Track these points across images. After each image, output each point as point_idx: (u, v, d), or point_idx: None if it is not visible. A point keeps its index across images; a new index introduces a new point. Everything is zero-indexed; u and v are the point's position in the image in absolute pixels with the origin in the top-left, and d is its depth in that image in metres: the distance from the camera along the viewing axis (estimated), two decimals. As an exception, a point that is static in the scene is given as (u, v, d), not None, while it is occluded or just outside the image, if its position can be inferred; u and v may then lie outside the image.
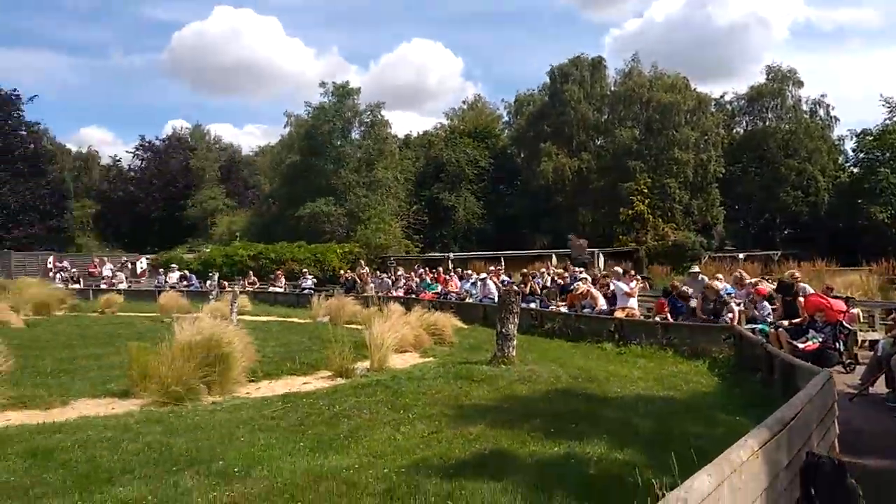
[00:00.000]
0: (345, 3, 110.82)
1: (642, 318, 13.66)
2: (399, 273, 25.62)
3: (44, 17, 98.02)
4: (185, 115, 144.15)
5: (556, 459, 5.36)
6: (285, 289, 27.26)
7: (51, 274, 32.11)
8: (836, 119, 47.16)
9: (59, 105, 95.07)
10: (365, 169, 41.74)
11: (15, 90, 45.99)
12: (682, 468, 3.84)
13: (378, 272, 28.14)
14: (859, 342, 11.13)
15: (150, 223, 50.03)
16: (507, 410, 7.15)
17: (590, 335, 13.04)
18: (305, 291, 25.17)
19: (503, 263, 28.57)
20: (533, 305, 16.16)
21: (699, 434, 6.01)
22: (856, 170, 45.32)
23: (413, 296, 20.67)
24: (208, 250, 37.30)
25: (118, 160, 59.01)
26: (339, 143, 42.04)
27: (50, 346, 12.41)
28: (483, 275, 20.01)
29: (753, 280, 13.64)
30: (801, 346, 9.59)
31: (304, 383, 9.07)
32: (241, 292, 19.76)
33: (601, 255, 35.22)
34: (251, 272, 29.91)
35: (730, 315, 11.52)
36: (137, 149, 54.47)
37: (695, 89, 45.13)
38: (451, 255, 36.71)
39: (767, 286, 12.52)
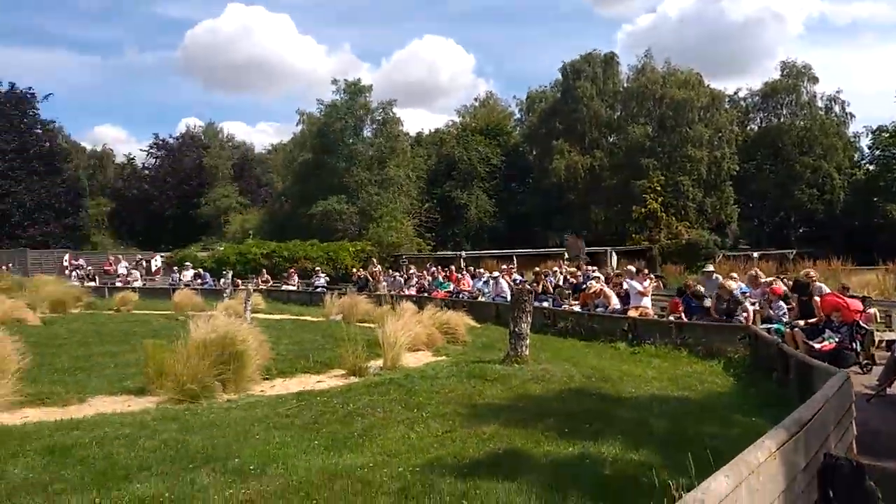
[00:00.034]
0: (356, 0, 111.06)
1: (656, 317, 13.59)
2: (411, 271, 25.65)
3: (58, 16, 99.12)
4: (199, 112, 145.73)
5: (570, 459, 5.35)
6: (298, 287, 27.39)
7: (67, 272, 32.48)
8: (852, 115, 46.80)
9: (73, 103, 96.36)
10: (377, 167, 41.83)
11: (30, 89, 46.66)
12: (698, 469, 3.83)
13: (390, 270, 28.18)
14: (876, 342, 11.00)
15: (164, 221, 50.44)
16: (521, 410, 7.14)
17: (603, 334, 13.00)
18: (318, 290, 25.27)
19: (515, 262, 28.53)
20: (546, 304, 16.12)
21: (714, 434, 5.98)
22: (872, 167, 44.89)
23: (425, 294, 20.68)
24: (222, 248, 37.58)
25: (132, 158, 59.69)
26: (350, 140, 42.16)
27: (66, 344, 12.56)
28: (495, 273, 19.99)
29: (769, 279, 13.52)
30: (817, 346, 9.50)
31: (318, 381, 9.11)
32: (254, 290, 19.87)
33: (614, 254, 35.09)
34: (264, 270, 30.10)
35: (744, 315, 11.43)
36: (151, 147, 55.07)
37: (708, 85, 44.90)
38: (464, 253, 36.72)
39: (782, 286, 12.42)
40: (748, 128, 48.73)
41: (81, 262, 34.93)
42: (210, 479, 4.82)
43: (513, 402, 7.52)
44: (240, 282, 25.63)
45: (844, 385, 5.43)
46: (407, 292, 21.76)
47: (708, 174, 42.20)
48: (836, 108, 46.60)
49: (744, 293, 12.59)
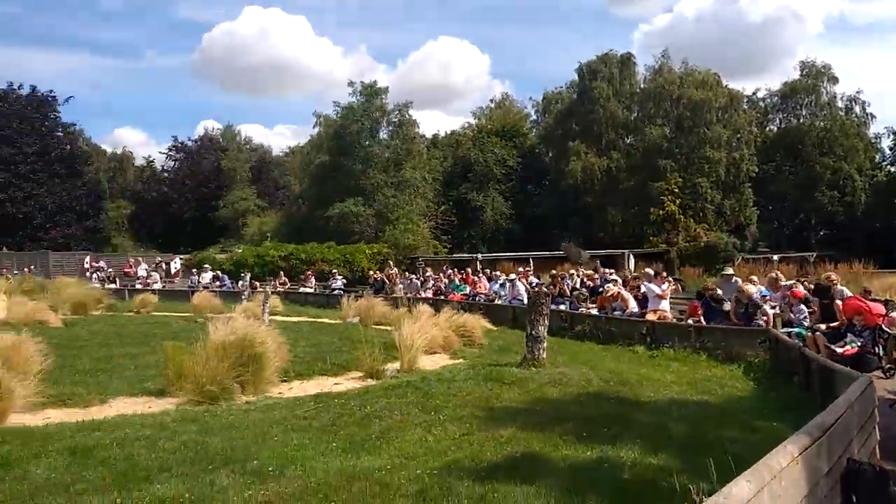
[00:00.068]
0: (372, 1, 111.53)
1: (675, 320, 13.48)
2: (427, 274, 25.67)
3: (78, 19, 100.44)
4: (217, 115, 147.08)
5: (588, 463, 5.32)
6: (315, 289, 27.49)
7: (87, 274, 32.88)
8: (873, 116, 46.29)
9: (94, 106, 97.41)
10: (393, 169, 41.94)
11: (51, 92, 47.36)
12: (718, 474, 3.80)
13: (407, 273, 28.24)
14: (899, 346, 10.85)
15: (183, 223, 50.91)
16: (538, 413, 7.12)
17: (621, 338, 12.92)
18: (335, 292, 25.35)
19: (532, 264, 28.47)
20: (563, 307, 16.07)
21: (735, 439, 5.93)
22: (893, 168, 44.30)
23: (442, 297, 20.69)
24: (240, 251, 37.86)
25: (152, 161, 60.34)
26: (367, 142, 42.33)
27: (88, 346, 12.69)
28: (512, 276, 19.96)
29: (789, 282, 13.37)
30: (839, 350, 9.39)
31: (336, 384, 9.15)
32: (272, 293, 19.97)
33: (631, 257, 34.88)
34: (282, 272, 30.29)
35: (764, 318, 11.32)
36: (170, 149, 55.66)
37: (726, 86, 44.45)
38: (480, 255, 36.68)
39: (802, 289, 12.27)
40: (767, 129, 48.23)
41: (102, 264, 35.35)
42: (229, 480, 4.86)
43: (530, 406, 7.50)
44: (258, 284, 25.78)
45: (867, 389, 5.37)
46: (423, 295, 21.77)
47: (726, 176, 41.78)
48: (857, 109, 46.12)
49: (764, 296, 12.48)
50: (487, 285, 21.08)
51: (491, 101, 64.08)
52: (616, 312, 14.47)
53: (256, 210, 49.85)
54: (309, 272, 29.86)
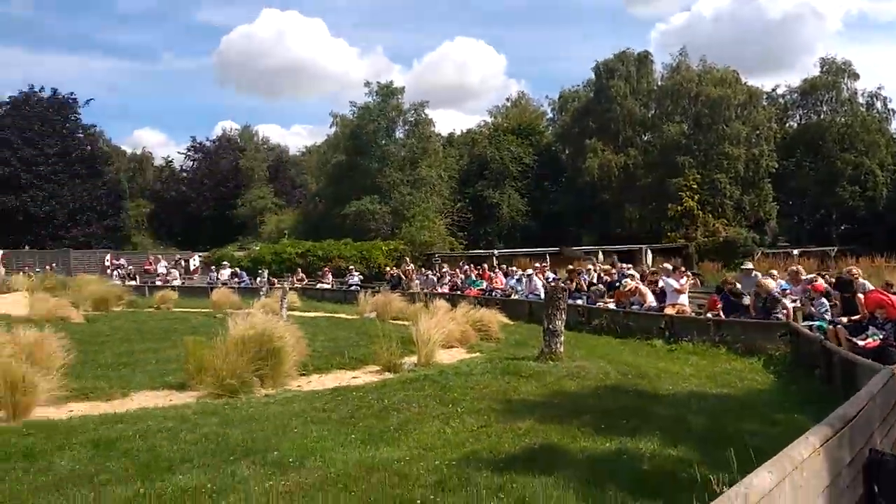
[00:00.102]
0: (388, 2, 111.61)
1: (693, 314, 13.40)
2: (444, 270, 25.70)
3: (98, 23, 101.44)
4: (234, 116, 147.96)
5: (607, 455, 5.31)
6: (332, 285, 27.63)
7: (108, 271, 33.34)
8: (894, 112, 45.85)
9: (113, 108, 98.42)
10: (409, 167, 42.01)
11: (72, 94, 48.08)
12: (739, 465, 3.78)
13: (423, 269, 28.28)
14: (922, 340, 10.70)
15: (201, 222, 51.38)
16: (556, 406, 7.11)
17: (639, 332, 12.85)
18: (352, 288, 25.46)
19: (548, 260, 28.39)
20: (580, 302, 16.01)
21: (755, 432, 5.88)
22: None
23: (458, 292, 20.68)
24: (258, 248, 38.18)
25: (170, 161, 60.89)
26: (383, 142, 42.41)
27: (109, 341, 12.83)
28: (529, 271, 19.92)
29: (810, 276, 13.23)
30: (861, 343, 9.26)
31: (353, 377, 9.18)
32: (290, 289, 20.12)
33: (649, 252, 34.67)
34: (299, 269, 30.47)
35: (783, 312, 11.21)
36: (189, 150, 56.24)
37: (745, 83, 44.02)
38: (496, 251, 36.64)
39: (823, 283, 12.14)
40: (787, 125, 47.85)
41: (122, 261, 35.81)
42: (250, 471, 4.90)
43: (548, 399, 7.49)
44: (275, 280, 25.97)
45: (890, 382, 5.31)
46: (440, 290, 21.80)
47: (746, 172, 41.42)
48: (878, 105, 45.76)
49: (784, 290, 12.35)
50: (504, 280, 21.05)
51: (507, 99, 64.03)
52: (634, 307, 14.39)
53: (274, 208, 50.19)
54: (326, 268, 30.04)
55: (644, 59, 46.33)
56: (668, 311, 13.31)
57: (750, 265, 16.20)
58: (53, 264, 34.06)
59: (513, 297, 19.06)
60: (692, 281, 16.26)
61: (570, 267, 19.70)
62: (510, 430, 6.06)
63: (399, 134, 44.08)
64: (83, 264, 35.72)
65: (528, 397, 7.57)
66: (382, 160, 41.34)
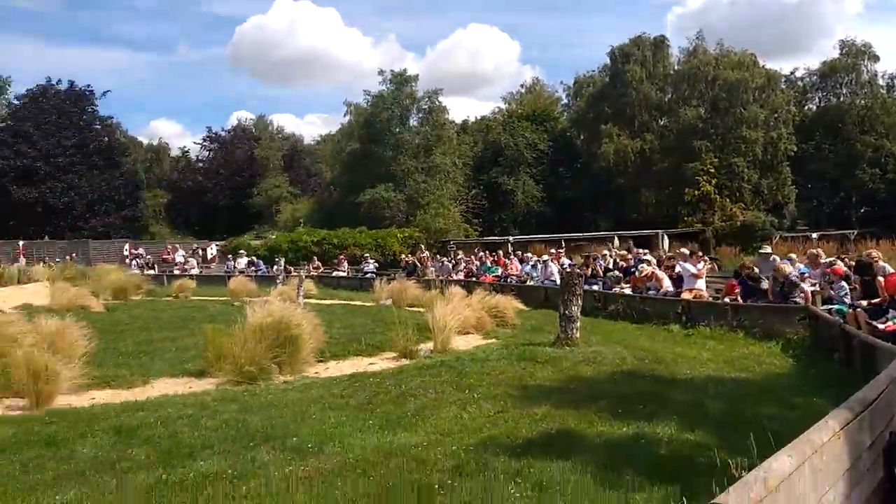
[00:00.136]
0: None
1: (711, 299, 13.30)
2: (459, 257, 25.68)
3: (115, 15, 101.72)
4: (249, 106, 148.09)
5: (624, 440, 5.31)
6: (348, 273, 27.76)
7: (127, 261, 33.65)
8: (915, 94, 44.99)
9: (130, 100, 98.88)
10: (423, 155, 41.95)
11: (89, 86, 48.41)
12: (758, 449, 3.76)
13: (438, 256, 28.30)
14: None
15: (218, 211, 51.70)
16: (573, 391, 7.10)
17: (655, 317, 12.79)
18: (368, 275, 25.54)
19: (564, 246, 28.31)
20: (595, 288, 15.95)
21: (773, 416, 5.85)
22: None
23: (473, 279, 20.67)
24: (274, 237, 38.40)
25: (187, 151, 61.23)
26: (397, 130, 42.40)
27: (129, 329, 12.99)
28: (544, 257, 19.87)
29: (829, 259, 13.08)
30: (881, 326, 9.15)
31: (370, 364, 9.22)
32: (306, 276, 20.23)
33: (665, 237, 34.44)
34: (315, 257, 30.63)
35: (801, 295, 11.09)
36: (205, 140, 56.47)
37: (763, 66, 43.37)
38: (511, 238, 36.57)
39: (843, 266, 11.99)
40: (806, 108, 47.22)
41: (141, 251, 36.15)
42: (270, 456, 4.96)
43: (564, 384, 7.49)
44: (292, 268, 26.11)
45: (911, 365, 5.24)
46: (455, 277, 21.80)
47: (764, 155, 40.86)
48: (899, 87, 44.98)
49: (802, 274, 12.22)
50: (519, 267, 21.02)
51: (521, 85, 63.36)
52: (650, 292, 14.32)
53: (289, 197, 50.40)
54: (341, 256, 30.17)
55: (660, 43, 45.70)
56: (686, 295, 13.23)
57: (768, 249, 16.04)
58: (73, 254, 34.44)
59: (528, 283, 19.03)
60: (709, 265, 16.14)
61: (586, 253, 19.62)
62: (527, 415, 6.07)
63: (413, 122, 44.08)
64: (102, 254, 36.09)
65: (544, 383, 7.56)
66: (397, 148, 41.32)
